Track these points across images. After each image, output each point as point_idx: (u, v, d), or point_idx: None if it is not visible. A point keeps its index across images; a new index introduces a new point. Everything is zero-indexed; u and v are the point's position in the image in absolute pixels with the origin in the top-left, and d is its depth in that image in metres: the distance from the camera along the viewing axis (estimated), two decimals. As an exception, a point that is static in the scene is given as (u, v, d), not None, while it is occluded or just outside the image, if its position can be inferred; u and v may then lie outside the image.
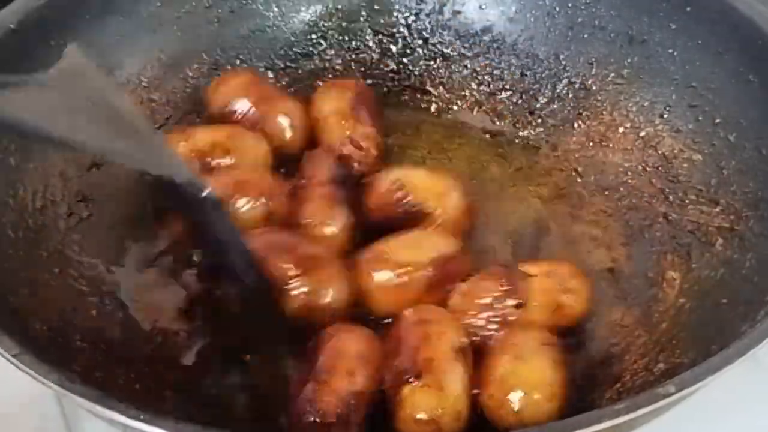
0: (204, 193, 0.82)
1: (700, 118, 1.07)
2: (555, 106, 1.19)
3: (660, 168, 1.09)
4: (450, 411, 0.82)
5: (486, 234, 1.06)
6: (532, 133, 1.19)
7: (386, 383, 0.84)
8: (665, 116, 1.11)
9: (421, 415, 0.81)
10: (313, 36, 1.25)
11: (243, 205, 0.99)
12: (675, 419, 0.81)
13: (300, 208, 1.00)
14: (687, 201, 1.04)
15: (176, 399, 0.88)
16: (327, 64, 1.25)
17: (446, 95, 1.24)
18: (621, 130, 1.14)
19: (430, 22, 1.26)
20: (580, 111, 1.17)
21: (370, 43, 1.26)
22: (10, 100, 0.75)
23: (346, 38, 1.26)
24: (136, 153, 0.80)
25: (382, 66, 1.26)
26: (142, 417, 0.65)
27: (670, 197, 1.06)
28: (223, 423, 0.77)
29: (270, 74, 1.23)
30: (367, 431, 0.83)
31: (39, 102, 0.77)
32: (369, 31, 1.26)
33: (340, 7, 1.26)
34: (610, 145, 1.14)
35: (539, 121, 1.19)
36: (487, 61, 1.24)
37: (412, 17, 1.26)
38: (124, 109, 0.81)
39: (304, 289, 0.91)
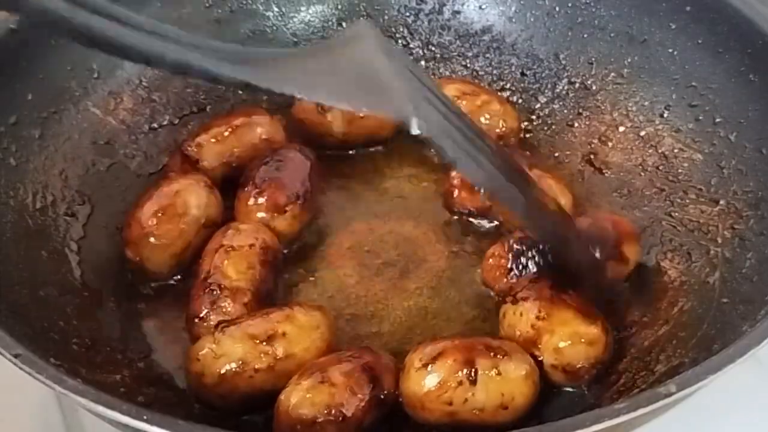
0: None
1: (700, 118, 1.07)
2: (555, 106, 1.19)
3: (660, 167, 1.09)
4: None
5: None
6: (532, 132, 1.19)
7: None
8: (665, 116, 1.11)
9: None
10: (313, 36, 1.25)
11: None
12: (675, 419, 0.81)
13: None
14: (687, 200, 1.04)
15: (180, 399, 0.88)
16: (327, 65, 1.25)
17: (446, 95, 1.24)
18: (621, 129, 1.14)
19: (429, 22, 1.26)
20: (580, 111, 1.17)
21: (370, 43, 1.26)
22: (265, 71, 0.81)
23: (346, 38, 1.26)
24: (384, 105, 0.84)
25: (381, 66, 1.26)
26: (145, 417, 0.65)
27: (671, 196, 1.06)
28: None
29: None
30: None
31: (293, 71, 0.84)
32: (369, 31, 1.26)
33: (340, 7, 1.26)
34: (610, 145, 1.14)
35: (539, 121, 1.19)
36: (487, 61, 1.24)
37: (412, 17, 1.26)
38: (383, 76, 0.84)
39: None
